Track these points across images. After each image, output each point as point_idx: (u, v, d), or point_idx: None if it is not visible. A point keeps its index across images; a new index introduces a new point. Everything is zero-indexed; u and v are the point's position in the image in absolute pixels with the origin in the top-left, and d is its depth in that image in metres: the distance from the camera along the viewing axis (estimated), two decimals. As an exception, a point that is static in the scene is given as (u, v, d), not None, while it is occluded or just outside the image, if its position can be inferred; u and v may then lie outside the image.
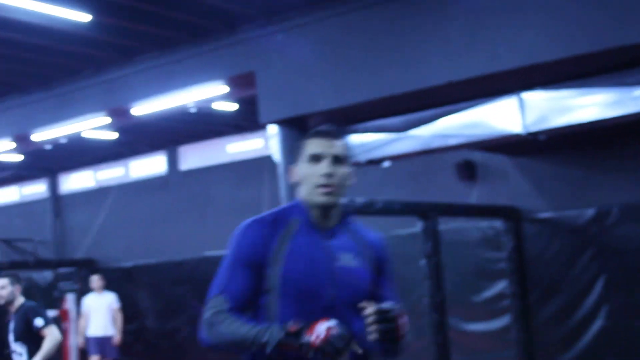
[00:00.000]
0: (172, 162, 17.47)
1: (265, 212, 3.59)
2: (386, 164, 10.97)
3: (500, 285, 12.17)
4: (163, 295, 15.91)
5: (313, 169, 3.54)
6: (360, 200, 10.62)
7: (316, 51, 10.18)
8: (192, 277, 15.43)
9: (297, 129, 10.29)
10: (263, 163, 14.54)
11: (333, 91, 9.97)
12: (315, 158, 3.55)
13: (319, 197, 3.54)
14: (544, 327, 11.90)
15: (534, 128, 9.83)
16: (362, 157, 10.66)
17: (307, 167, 3.56)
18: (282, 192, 10.22)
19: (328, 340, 3.21)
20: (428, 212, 10.83)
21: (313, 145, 3.60)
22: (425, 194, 12.44)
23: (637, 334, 11.25)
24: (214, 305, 3.45)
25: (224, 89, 11.27)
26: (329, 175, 3.51)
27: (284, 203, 10.03)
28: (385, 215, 10.93)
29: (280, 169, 10.34)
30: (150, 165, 17.87)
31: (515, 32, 8.86)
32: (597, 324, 11.57)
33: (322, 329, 3.24)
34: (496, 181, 12.75)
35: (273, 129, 10.59)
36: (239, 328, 3.36)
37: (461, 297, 12.29)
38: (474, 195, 12.71)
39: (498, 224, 12.25)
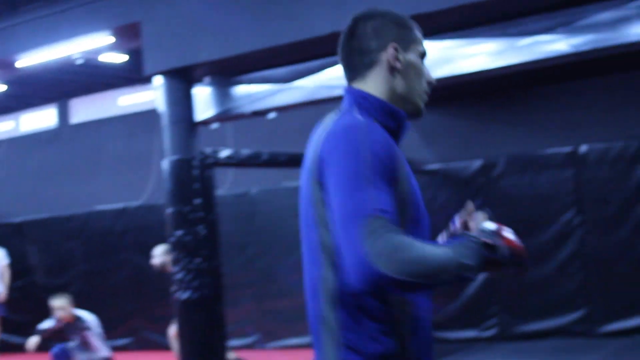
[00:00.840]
0: (63, 115, 17.14)
1: (353, 113, 2.65)
2: (271, 115, 10.91)
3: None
4: (53, 250, 15.66)
5: (424, 69, 2.83)
6: (245, 151, 10.60)
7: (202, 1, 10.05)
8: (82, 232, 15.23)
9: (181, 80, 10.18)
10: (154, 116, 14.35)
11: (218, 41, 9.84)
12: (424, 56, 2.85)
13: (421, 104, 2.85)
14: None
15: (420, 78, 9.86)
16: (248, 109, 10.58)
17: (419, 63, 2.81)
18: (167, 144, 10.10)
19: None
20: (314, 163, 10.85)
21: (421, 39, 2.84)
22: (316, 146, 12.41)
23: (518, 284, 11.45)
24: (381, 228, 2.37)
25: (110, 39, 11.05)
26: None
27: (170, 155, 9.95)
28: (271, 167, 10.94)
29: (165, 121, 10.20)
30: (41, 119, 17.51)
31: (398, -18, 8.85)
32: (481, 275, 11.71)
33: (512, 234, 2.61)
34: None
35: (159, 81, 10.45)
36: (434, 251, 2.43)
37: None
38: (363, 146, 12.71)
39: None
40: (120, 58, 13.24)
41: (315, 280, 2.60)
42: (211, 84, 10.74)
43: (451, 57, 9.74)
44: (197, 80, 10.47)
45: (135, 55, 12.45)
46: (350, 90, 2.77)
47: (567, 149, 11.36)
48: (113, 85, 15.95)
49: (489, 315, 11.71)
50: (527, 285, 11.41)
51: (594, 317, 11.11)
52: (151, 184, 14.62)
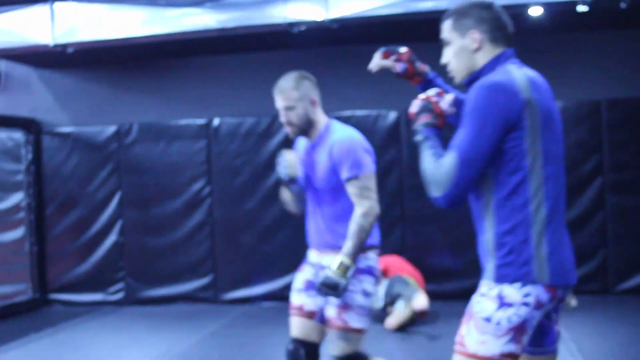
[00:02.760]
0: None
1: None
2: None
3: (17, 198, 11.98)
4: None
5: None
6: None
7: None
8: None
9: None
10: None
11: None
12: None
13: None
14: (58, 240, 11.95)
15: (63, 40, 9.77)
16: None
17: None
18: None
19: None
20: None
21: None
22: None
23: (146, 248, 11.67)
24: None
25: None
26: None
27: None
28: None
29: None
30: None
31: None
32: (111, 239, 11.84)
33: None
34: (19, 92, 12.46)
35: None
36: None
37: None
38: (-5, 105, 12.36)
39: (18, 135, 12.02)
40: None
41: None
42: None
43: (98, 21, 9.73)
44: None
45: None
46: None
47: (200, 121, 11.69)
48: None
49: (116, 279, 11.82)
50: (155, 252, 11.66)
51: (219, 284, 11.57)
52: None
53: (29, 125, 11.99)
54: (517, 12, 9.34)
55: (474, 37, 3.56)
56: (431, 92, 3.69)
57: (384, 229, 10.85)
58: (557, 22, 10.23)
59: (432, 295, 10.75)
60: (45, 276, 12.01)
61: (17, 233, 11.95)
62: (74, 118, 12.29)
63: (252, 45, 11.27)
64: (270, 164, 11.37)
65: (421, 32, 10.80)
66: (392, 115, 11.26)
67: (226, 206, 11.58)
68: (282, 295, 11.22)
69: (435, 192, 3.37)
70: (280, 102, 4.95)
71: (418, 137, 3.56)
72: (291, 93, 4.91)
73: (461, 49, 3.59)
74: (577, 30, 10.90)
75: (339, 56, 11.52)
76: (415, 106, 3.65)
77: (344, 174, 4.84)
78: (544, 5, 9.02)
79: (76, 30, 9.74)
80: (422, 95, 3.68)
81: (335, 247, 4.91)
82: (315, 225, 5.09)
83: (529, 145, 3.33)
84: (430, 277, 10.76)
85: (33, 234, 11.90)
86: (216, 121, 11.64)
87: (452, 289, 10.77)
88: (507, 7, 8.78)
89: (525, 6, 9.07)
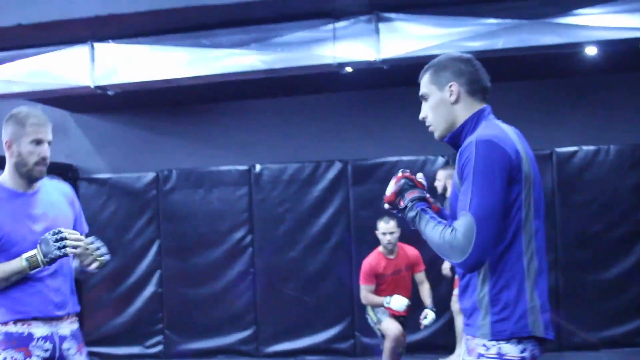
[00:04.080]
0: None
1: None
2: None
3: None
4: None
5: None
6: None
7: None
8: None
9: None
10: None
11: None
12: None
13: None
14: (95, 290, 11.52)
15: (104, 82, 9.46)
16: None
17: None
18: None
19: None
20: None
21: None
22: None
23: (186, 300, 11.28)
24: None
25: None
26: None
27: None
28: None
29: None
30: None
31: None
32: (149, 290, 11.47)
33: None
34: (55, 137, 12.11)
35: None
36: None
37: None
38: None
39: (54, 181, 11.73)
40: None
41: None
42: None
43: (137, 63, 9.41)
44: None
45: None
46: None
47: (242, 167, 11.34)
48: None
49: (154, 332, 11.41)
50: (195, 304, 11.25)
51: (261, 337, 11.14)
52: None
53: (65, 172, 11.69)
54: (572, 52, 9.04)
55: (452, 89, 3.54)
56: (404, 171, 3.70)
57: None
58: (612, 61, 9.86)
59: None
60: (81, 328, 11.53)
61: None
62: (111, 164, 12.00)
63: (296, 88, 10.95)
64: (314, 212, 11.00)
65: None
66: (440, 161, 10.86)
67: (268, 255, 11.19)
68: (327, 349, 10.80)
69: (457, 258, 3.27)
70: (46, 135, 4.54)
71: (411, 213, 3.50)
72: (50, 129, 4.54)
73: (439, 102, 3.58)
74: (633, 70, 10.50)
75: (386, 99, 11.19)
76: (393, 187, 3.62)
77: (85, 227, 4.67)
78: (601, 44, 8.65)
79: (116, 72, 9.42)
80: (398, 174, 3.65)
81: (72, 313, 4.50)
82: (53, 288, 4.33)
83: (524, 198, 3.33)
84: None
85: (67, 284, 11.52)
86: (258, 167, 11.30)
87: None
88: (562, 46, 8.53)
89: (581, 45, 8.71)
